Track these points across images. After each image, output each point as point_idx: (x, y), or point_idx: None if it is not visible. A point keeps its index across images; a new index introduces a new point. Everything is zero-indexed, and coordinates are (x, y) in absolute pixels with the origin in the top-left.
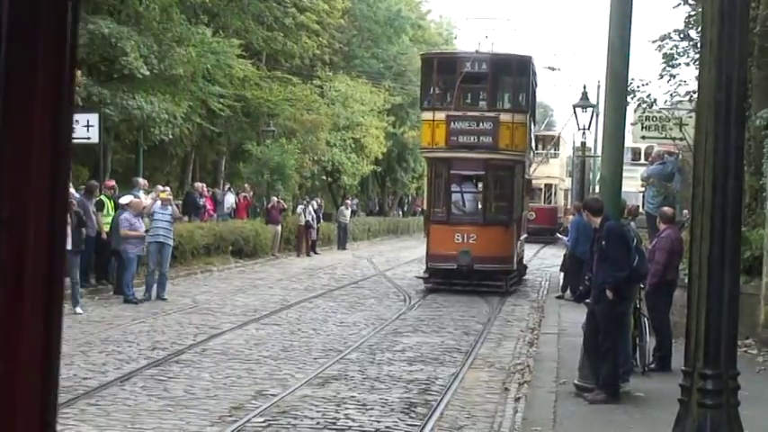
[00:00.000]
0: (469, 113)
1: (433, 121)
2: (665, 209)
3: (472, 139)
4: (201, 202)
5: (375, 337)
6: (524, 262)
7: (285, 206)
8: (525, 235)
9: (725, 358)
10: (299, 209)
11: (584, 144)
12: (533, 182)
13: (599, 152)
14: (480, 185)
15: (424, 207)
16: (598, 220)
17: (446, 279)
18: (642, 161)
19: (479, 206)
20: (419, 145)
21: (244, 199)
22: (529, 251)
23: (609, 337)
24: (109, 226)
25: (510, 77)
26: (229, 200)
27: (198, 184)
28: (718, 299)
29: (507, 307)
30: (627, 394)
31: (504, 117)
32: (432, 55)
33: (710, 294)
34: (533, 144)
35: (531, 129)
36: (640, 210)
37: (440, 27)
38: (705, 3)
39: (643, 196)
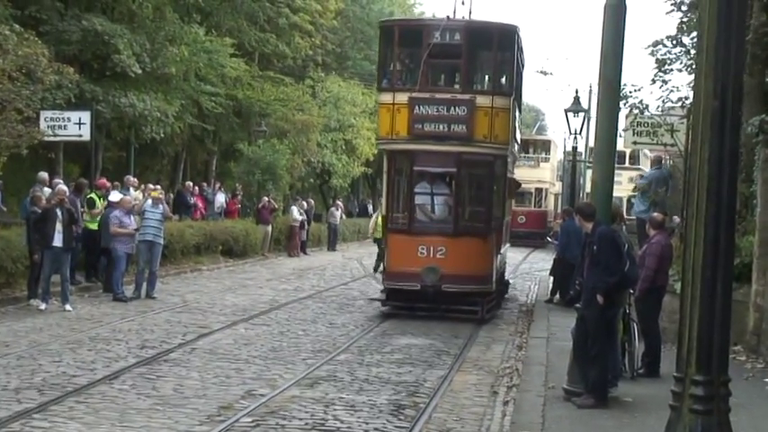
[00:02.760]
0: (438, 96)
1: (393, 104)
2: (655, 215)
3: (441, 127)
4: (192, 201)
5: (364, 338)
6: (507, 276)
7: (276, 206)
8: (508, 245)
9: (716, 364)
10: (293, 209)
11: (575, 149)
12: (523, 185)
13: (589, 157)
14: (451, 186)
15: (383, 212)
16: (590, 225)
17: (408, 302)
18: (626, 165)
19: (450, 212)
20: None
21: (232, 200)
22: (518, 255)
23: (598, 342)
24: (97, 224)
25: (490, 52)
26: (219, 199)
27: (188, 183)
28: (711, 305)
29: (497, 311)
30: (615, 399)
31: (482, 101)
32: (392, 22)
33: (703, 301)
34: (518, 135)
35: (515, 116)
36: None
37: None
38: (702, 10)
39: (628, 201)
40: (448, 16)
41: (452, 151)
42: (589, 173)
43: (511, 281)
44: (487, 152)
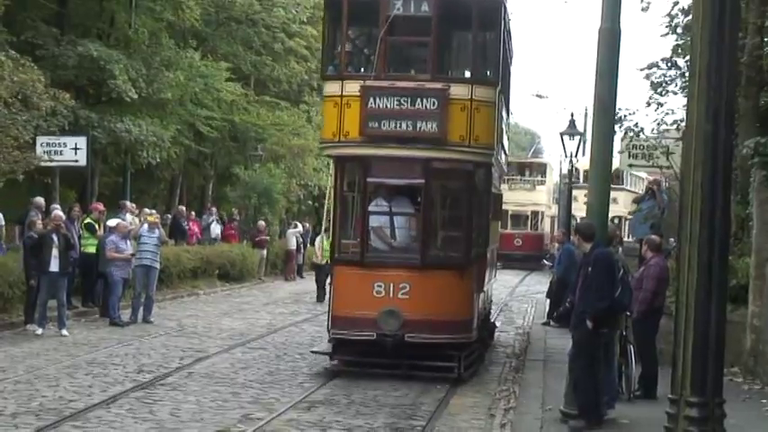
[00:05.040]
0: (400, 84)
1: (341, 96)
2: (653, 237)
3: (404, 125)
4: (186, 226)
5: None
6: (493, 317)
7: (267, 238)
8: (495, 279)
9: (711, 386)
10: (289, 233)
11: (570, 171)
12: (519, 208)
13: (574, 178)
14: (418, 203)
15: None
16: (588, 246)
17: (361, 356)
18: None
19: (415, 238)
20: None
21: (228, 225)
22: (515, 278)
23: (581, 363)
24: (95, 248)
25: (467, 30)
26: (215, 230)
27: (181, 208)
28: (705, 328)
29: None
30: (613, 421)
31: (458, 91)
32: None
33: (697, 323)
34: (506, 141)
35: (501, 115)
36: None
37: None
38: (694, 34)
39: (611, 221)
40: None
41: (419, 157)
42: (573, 194)
43: (498, 322)
44: (465, 158)
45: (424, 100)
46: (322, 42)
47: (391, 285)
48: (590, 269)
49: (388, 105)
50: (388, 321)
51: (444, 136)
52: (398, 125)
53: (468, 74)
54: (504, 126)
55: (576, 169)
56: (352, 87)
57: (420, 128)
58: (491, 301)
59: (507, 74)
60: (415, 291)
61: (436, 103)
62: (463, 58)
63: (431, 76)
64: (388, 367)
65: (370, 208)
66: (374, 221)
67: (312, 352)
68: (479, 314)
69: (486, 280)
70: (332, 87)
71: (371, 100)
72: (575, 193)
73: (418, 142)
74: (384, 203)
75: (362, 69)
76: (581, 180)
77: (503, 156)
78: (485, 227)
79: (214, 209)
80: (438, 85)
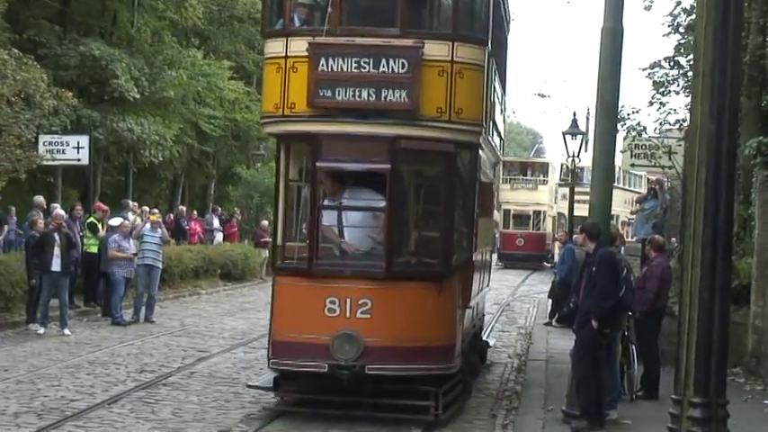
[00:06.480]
0: (360, 41)
1: (286, 58)
2: (657, 237)
3: (365, 94)
4: (186, 226)
5: None
6: (485, 334)
7: (269, 239)
8: (488, 288)
9: (714, 386)
10: None
11: (573, 171)
12: (518, 208)
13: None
14: (383, 195)
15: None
16: (593, 245)
17: (313, 392)
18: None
19: (379, 240)
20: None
21: (229, 223)
22: (517, 278)
23: (584, 364)
24: (97, 247)
25: None
26: (218, 238)
27: (182, 208)
28: (709, 327)
29: (494, 333)
30: (614, 422)
31: (435, 50)
32: None
33: (700, 323)
34: (500, 121)
35: (493, 83)
36: None
37: None
38: (697, 33)
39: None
40: None
41: (384, 135)
42: (561, 192)
43: (492, 340)
44: (444, 137)
45: (391, 61)
46: None
47: (348, 302)
48: (594, 269)
49: (345, 68)
50: (344, 348)
51: (417, 108)
52: (357, 94)
53: (448, 28)
54: (497, 100)
55: (568, 168)
56: (299, 46)
57: (385, 97)
58: (482, 315)
59: (502, 38)
60: (379, 309)
61: (406, 65)
62: (444, 11)
63: (400, 30)
64: (345, 406)
65: (322, 201)
66: (326, 219)
67: (249, 386)
68: (465, 335)
69: (475, 292)
70: (274, 47)
71: (323, 61)
72: (564, 192)
73: (383, 116)
74: (339, 196)
75: (304, 16)
76: (569, 179)
77: (496, 137)
78: (471, 225)
79: (218, 209)
80: (409, 42)
